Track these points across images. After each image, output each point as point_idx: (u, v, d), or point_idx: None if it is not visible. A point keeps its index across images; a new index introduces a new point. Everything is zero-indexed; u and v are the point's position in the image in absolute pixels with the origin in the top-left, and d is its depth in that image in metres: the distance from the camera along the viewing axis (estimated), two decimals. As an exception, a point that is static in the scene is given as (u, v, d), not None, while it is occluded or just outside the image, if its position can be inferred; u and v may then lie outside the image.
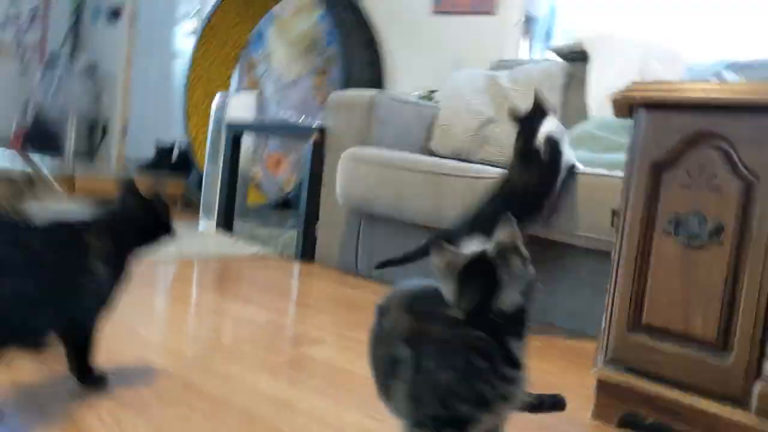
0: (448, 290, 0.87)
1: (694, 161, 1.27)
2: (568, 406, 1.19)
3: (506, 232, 0.88)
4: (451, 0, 3.57)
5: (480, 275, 0.85)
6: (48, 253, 1.07)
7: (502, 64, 3.14)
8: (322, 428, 1.16)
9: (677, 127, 1.28)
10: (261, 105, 3.91)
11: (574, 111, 2.85)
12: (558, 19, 3.28)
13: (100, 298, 1.16)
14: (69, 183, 4.11)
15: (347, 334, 1.77)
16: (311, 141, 2.77)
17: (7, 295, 0.99)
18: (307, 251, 2.82)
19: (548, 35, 3.30)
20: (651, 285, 1.30)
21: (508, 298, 0.85)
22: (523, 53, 3.37)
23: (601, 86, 2.79)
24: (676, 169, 1.28)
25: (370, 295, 2.30)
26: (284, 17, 4.47)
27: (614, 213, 1.45)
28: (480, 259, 0.86)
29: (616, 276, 1.36)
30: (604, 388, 1.36)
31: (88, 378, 1.19)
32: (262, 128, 3.03)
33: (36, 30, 5.88)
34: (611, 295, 1.37)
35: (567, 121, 2.84)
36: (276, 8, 4.42)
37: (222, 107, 3.34)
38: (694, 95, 1.28)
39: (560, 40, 3.25)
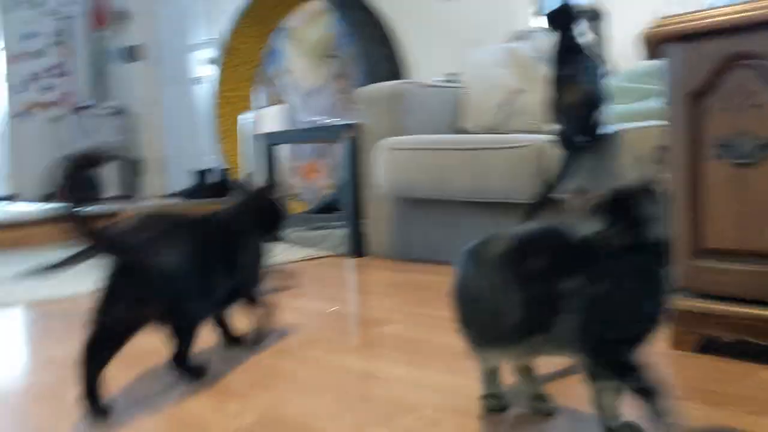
0: (593, 225, 0.93)
1: (731, 84, 1.29)
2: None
3: (637, 175, 0.96)
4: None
5: (628, 208, 0.92)
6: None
7: (519, 35, 3.17)
8: (411, 389, 1.21)
9: (710, 54, 1.30)
10: (289, 116, 3.98)
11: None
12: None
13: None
14: (113, 220, 4.22)
15: (414, 311, 1.82)
16: (346, 138, 2.83)
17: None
18: (358, 246, 2.88)
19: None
20: (708, 210, 1.32)
21: (656, 229, 0.92)
22: (538, 22, 3.39)
23: (624, 35, 2.81)
24: (713, 95, 1.31)
25: (428, 276, 2.35)
26: (297, 29, 4.56)
27: (662, 149, 1.48)
28: (624, 194, 0.93)
29: (674, 208, 1.39)
30: (679, 316, 1.39)
31: (189, 367, 1.26)
32: (294, 135, 3.10)
33: (62, 83, 6.05)
34: (672, 227, 1.40)
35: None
36: (288, 22, 4.51)
37: (252, 124, 3.42)
38: (724, 18, 1.30)
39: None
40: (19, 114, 5.81)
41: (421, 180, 2.51)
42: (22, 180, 5.77)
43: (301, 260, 2.84)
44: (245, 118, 3.58)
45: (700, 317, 1.35)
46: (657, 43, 1.39)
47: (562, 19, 2.03)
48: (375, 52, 3.94)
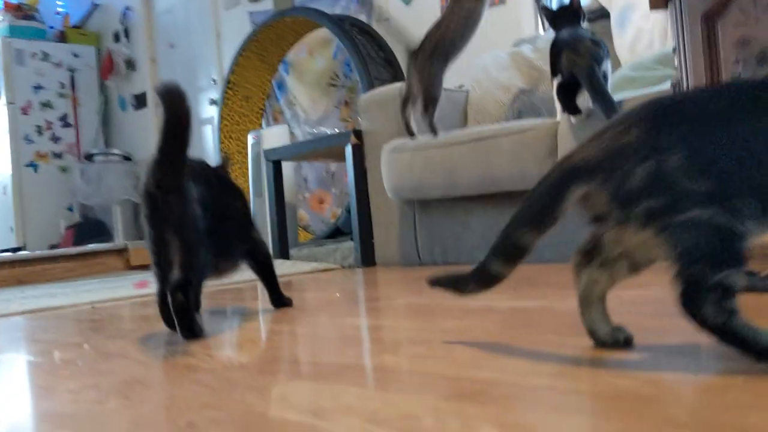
0: None
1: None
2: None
3: None
4: None
5: None
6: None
7: (522, 42, 3.13)
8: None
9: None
10: (294, 141, 3.94)
11: (605, 65, 2.81)
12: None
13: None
14: (123, 256, 4.16)
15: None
16: (350, 145, 2.77)
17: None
18: (367, 257, 2.78)
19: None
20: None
21: None
22: (541, 31, 3.36)
23: (627, 32, 2.77)
24: (728, 12, 1.23)
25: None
26: (300, 60, 4.56)
27: (673, 87, 1.39)
28: None
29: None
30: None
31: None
32: (299, 147, 3.04)
33: (69, 133, 6.09)
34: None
35: (600, 76, 2.81)
36: (290, 54, 4.52)
37: (257, 142, 3.37)
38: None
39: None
40: (26, 165, 5.83)
41: (428, 179, 2.42)
42: (28, 231, 5.75)
43: (304, 273, 2.73)
44: (252, 136, 3.54)
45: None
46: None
47: None
48: (378, 75, 3.91)
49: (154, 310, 1.39)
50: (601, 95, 1.96)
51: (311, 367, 0.97)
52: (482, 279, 0.88)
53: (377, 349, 1.03)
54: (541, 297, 1.44)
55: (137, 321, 1.79)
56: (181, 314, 1.23)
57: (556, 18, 2.06)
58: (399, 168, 2.51)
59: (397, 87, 2.70)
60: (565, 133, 2.06)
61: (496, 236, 0.85)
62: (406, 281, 2.12)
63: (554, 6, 2.18)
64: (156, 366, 1.11)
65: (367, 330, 1.07)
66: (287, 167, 3.42)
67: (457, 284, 0.92)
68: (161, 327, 1.36)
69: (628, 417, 0.60)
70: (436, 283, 0.94)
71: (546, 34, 3.07)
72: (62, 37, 6.18)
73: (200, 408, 0.78)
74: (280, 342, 1.20)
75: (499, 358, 0.89)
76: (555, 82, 2.02)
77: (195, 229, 1.29)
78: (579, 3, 2.07)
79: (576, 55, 1.91)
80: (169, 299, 1.24)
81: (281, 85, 4.66)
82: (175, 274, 1.24)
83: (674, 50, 1.54)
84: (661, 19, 2.81)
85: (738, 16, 1.21)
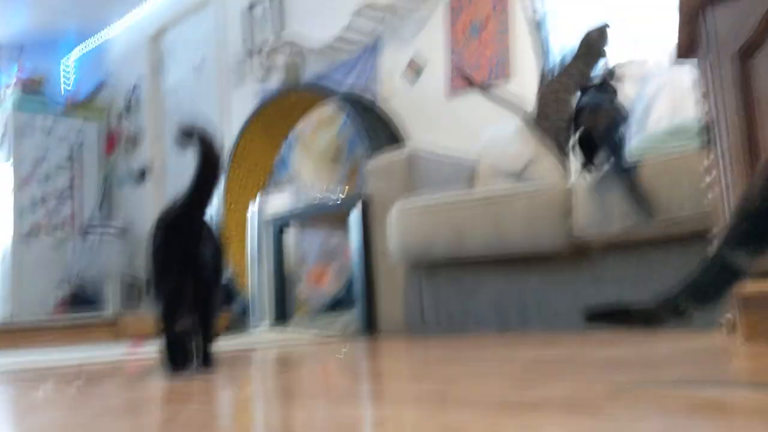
0: None
1: (779, 38, 1.19)
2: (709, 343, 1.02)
3: None
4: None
5: None
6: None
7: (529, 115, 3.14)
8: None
9: (752, 7, 1.21)
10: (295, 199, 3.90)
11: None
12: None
13: None
14: (114, 327, 4.02)
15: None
16: (355, 210, 2.71)
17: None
18: (370, 325, 2.67)
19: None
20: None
21: None
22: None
23: (637, 106, 2.77)
24: (764, 49, 1.20)
25: (448, 351, 2.13)
26: (306, 134, 4.57)
27: (706, 126, 1.35)
28: None
29: (726, 184, 1.24)
30: (748, 303, 1.20)
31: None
32: (303, 212, 2.98)
33: (68, 206, 6.05)
34: (727, 204, 1.24)
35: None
36: (298, 128, 4.53)
37: (260, 209, 3.32)
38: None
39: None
40: (24, 236, 5.75)
41: (435, 240, 2.35)
42: (20, 302, 5.61)
43: (302, 344, 2.61)
44: (256, 201, 3.49)
45: (773, 295, 1.15)
46: (695, 6, 1.29)
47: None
48: (384, 152, 3.91)
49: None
50: (617, 155, 1.93)
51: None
52: (722, 281, 0.72)
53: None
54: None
55: (132, 371, 1.67)
56: (183, 344, 1.16)
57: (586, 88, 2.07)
58: (406, 227, 2.44)
59: (404, 152, 2.67)
60: (580, 193, 2.01)
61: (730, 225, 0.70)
62: (411, 353, 1.98)
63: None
64: (150, 397, 1.00)
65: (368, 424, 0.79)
66: (289, 236, 3.35)
67: (649, 313, 0.77)
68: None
69: None
70: (604, 317, 0.79)
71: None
72: (69, 112, 6.24)
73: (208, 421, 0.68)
74: None
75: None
76: (572, 139, 2.00)
77: (211, 270, 1.29)
78: (611, 77, 2.09)
79: (596, 115, 1.90)
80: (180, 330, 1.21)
81: (285, 159, 4.65)
82: (189, 312, 1.24)
83: (703, 95, 1.50)
84: (670, 91, 2.83)
85: (772, 53, 1.18)
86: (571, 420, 0.61)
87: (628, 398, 0.73)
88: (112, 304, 5.47)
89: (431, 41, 3.80)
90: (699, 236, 1.84)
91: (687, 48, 1.46)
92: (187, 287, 1.29)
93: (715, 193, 1.42)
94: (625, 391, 0.80)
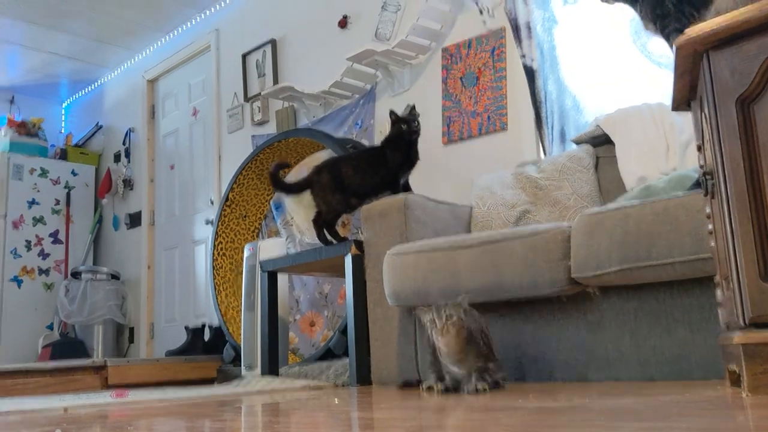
0: None
1: (781, 84, 1.18)
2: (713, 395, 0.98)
3: None
4: (458, 128, 3.66)
5: None
6: None
7: (525, 164, 3.14)
8: None
9: (755, 52, 1.21)
10: (289, 247, 3.86)
11: (611, 186, 2.81)
12: (570, 114, 3.31)
13: None
14: (101, 374, 3.93)
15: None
16: (350, 255, 2.68)
17: None
18: (363, 374, 2.61)
19: (563, 134, 3.32)
20: (777, 218, 1.16)
21: None
22: (542, 155, 3.38)
23: (632, 157, 2.77)
24: (766, 94, 1.20)
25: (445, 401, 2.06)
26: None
27: (705, 175, 1.34)
28: None
29: (731, 230, 1.22)
30: (752, 354, 1.17)
31: None
32: (297, 258, 2.95)
33: (58, 249, 6.00)
34: (732, 252, 1.22)
35: (606, 197, 2.79)
36: (290, 175, 4.52)
37: (253, 254, 3.29)
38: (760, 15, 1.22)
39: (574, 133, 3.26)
40: (10, 279, 5.67)
41: (431, 284, 2.32)
42: (3, 347, 5.50)
43: (294, 390, 2.55)
44: (248, 247, 3.45)
45: (784, 343, 1.13)
46: (694, 54, 1.30)
47: None
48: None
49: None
50: None
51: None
52: None
53: None
54: None
55: (117, 419, 1.61)
56: None
57: None
58: (402, 271, 2.41)
59: (399, 198, 2.66)
60: (578, 235, 1.99)
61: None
62: (406, 402, 1.92)
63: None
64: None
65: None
66: (282, 282, 3.31)
67: None
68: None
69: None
70: None
71: (547, 158, 3.08)
72: (63, 155, 6.23)
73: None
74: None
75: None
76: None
77: None
78: None
79: None
80: None
81: (279, 206, 4.63)
82: None
83: (698, 147, 1.50)
84: (663, 144, 2.84)
85: (775, 100, 1.18)
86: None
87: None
88: (99, 350, 5.38)
89: (427, 89, 3.83)
90: (699, 281, 1.82)
91: (683, 99, 1.46)
92: None
93: (717, 241, 1.40)
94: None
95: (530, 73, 3.30)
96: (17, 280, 5.70)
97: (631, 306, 1.97)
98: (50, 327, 5.74)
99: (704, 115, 1.34)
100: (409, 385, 2.27)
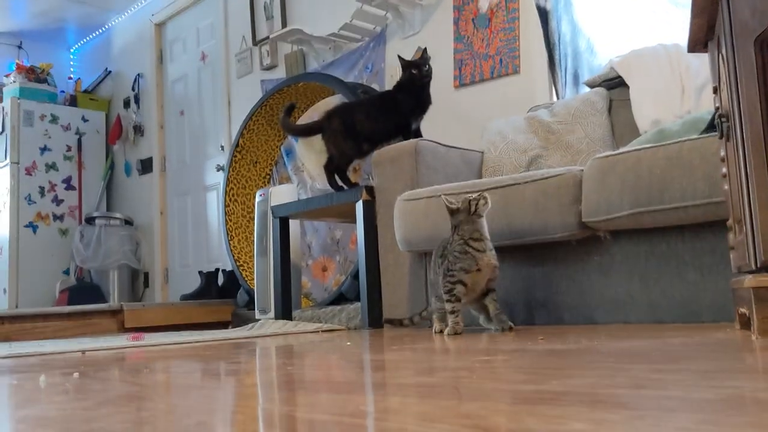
0: None
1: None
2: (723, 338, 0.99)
3: None
4: (470, 71, 3.60)
5: None
6: None
7: (537, 108, 3.10)
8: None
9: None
10: (301, 193, 3.87)
11: (624, 130, 2.77)
12: (584, 56, 3.26)
13: None
14: (117, 317, 4.01)
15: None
16: (361, 201, 2.69)
17: None
18: (374, 317, 2.64)
19: (576, 77, 3.27)
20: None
21: None
22: (554, 98, 3.33)
23: (647, 100, 2.73)
24: (785, 35, 1.17)
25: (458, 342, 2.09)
26: (311, 126, 4.53)
27: (720, 117, 1.32)
28: None
29: (746, 174, 1.21)
30: (763, 297, 1.17)
31: None
32: (308, 203, 2.96)
33: (71, 196, 6.03)
34: (746, 195, 1.21)
35: (619, 141, 2.76)
36: (302, 118, 4.50)
37: (265, 200, 3.29)
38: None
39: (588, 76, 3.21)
40: (25, 226, 5.73)
41: (441, 229, 2.31)
42: (22, 293, 5.59)
43: (307, 332, 2.59)
44: (260, 193, 3.46)
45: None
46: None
47: None
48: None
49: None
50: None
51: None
52: None
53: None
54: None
55: (134, 362, 1.65)
56: None
57: None
58: (413, 216, 2.41)
59: (410, 143, 2.64)
60: (589, 179, 1.98)
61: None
62: (415, 346, 1.96)
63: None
64: (153, 385, 0.98)
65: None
66: (294, 228, 3.33)
67: None
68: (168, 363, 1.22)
69: None
70: None
71: (560, 101, 3.04)
72: (72, 101, 6.22)
73: (210, 411, 0.66)
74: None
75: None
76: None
77: None
78: None
79: None
80: None
81: (289, 152, 4.62)
82: None
83: (714, 89, 1.47)
84: (678, 87, 2.79)
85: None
86: (597, 414, 0.58)
87: (652, 391, 0.71)
88: (115, 295, 5.47)
89: (438, 31, 3.76)
90: (711, 226, 1.82)
91: (699, 39, 1.43)
92: None
93: (731, 184, 1.39)
94: (648, 383, 0.77)
95: (543, 14, 3.24)
96: (32, 226, 5.76)
97: (642, 250, 1.97)
98: (66, 272, 5.82)
99: (721, 56, 1.32)
100: (391, 322, 2.37)
